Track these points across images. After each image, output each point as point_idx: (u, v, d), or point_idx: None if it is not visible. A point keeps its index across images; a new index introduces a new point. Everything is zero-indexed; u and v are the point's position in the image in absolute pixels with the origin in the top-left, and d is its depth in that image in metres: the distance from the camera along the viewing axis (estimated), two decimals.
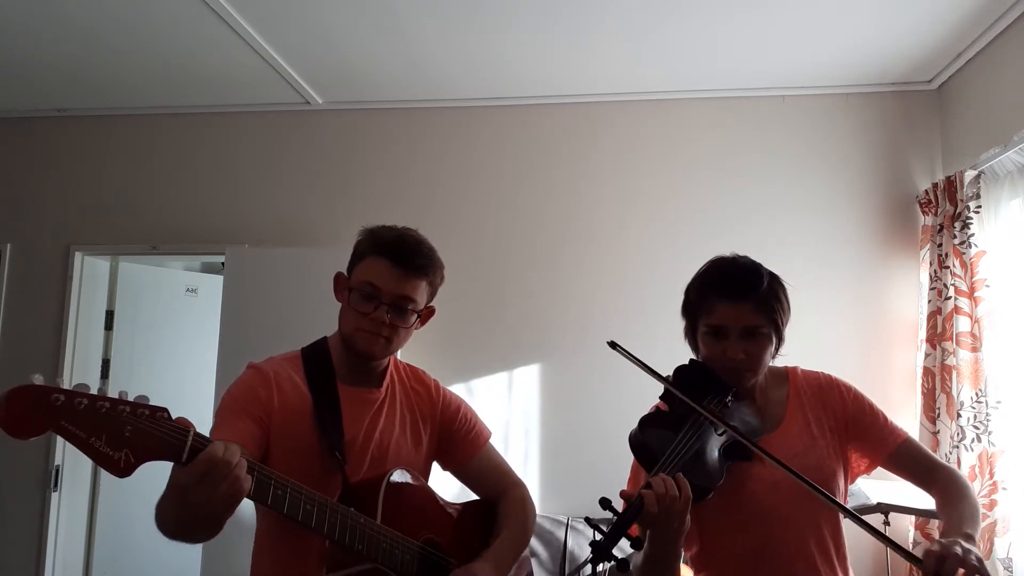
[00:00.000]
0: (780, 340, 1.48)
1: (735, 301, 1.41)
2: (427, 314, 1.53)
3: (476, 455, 1.61)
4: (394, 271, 1.42)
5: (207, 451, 1.03)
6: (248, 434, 1.33)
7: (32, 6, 2.84)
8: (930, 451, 1.55)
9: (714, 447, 1.35)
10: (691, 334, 1.53)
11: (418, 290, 1.45)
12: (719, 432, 1.37)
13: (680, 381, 1.46)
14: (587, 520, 1.19)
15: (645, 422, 1.41)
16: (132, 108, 3.85)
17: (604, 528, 1.17)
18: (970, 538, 1.27)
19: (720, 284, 1.44)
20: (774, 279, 1.48)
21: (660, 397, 1.50)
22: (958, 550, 1.19)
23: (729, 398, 1.43)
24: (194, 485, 1.02)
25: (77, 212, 3.85)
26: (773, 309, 1.43)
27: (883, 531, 2.58)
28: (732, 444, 1.37)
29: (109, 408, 0.98)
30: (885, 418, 1.51)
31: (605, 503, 1.20)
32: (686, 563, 1.57)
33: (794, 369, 1.58)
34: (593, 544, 1.15)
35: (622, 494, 1.25)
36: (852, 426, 1.50)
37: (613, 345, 1.45)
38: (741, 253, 1.53)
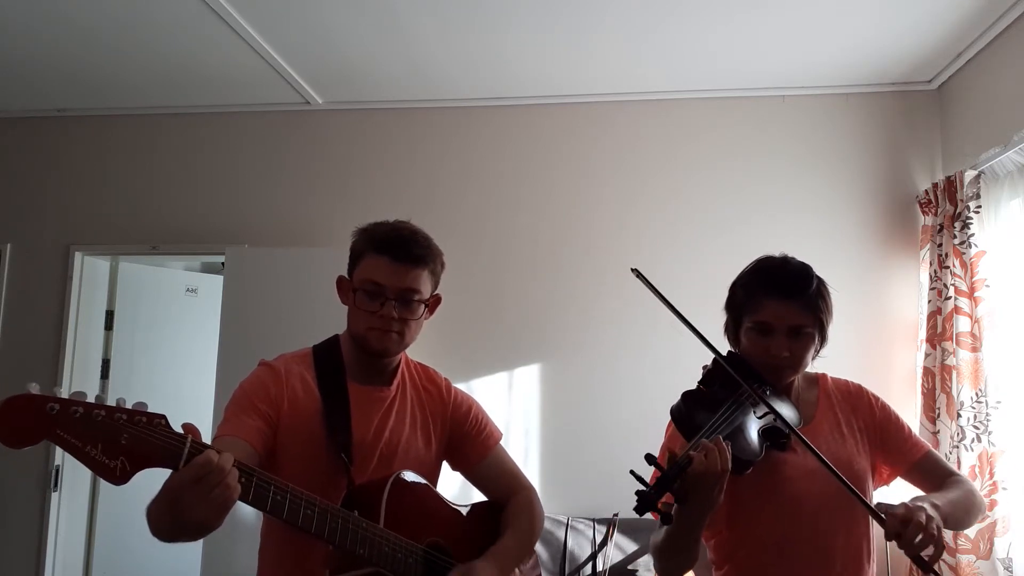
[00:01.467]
0: (823, 341, 1.50)
1: (784, 300, 1.44)
2: (434, 303, 1.52)
3: (486, 456, 1.60)
4: (394, 265, 1.43)
5: (201, 456, 1.03)
6: (256, 431, 1.34)
7: (32, 6, 2.84)
8: (949, 464, 1.59)
9: (753, 426, 1.38)
10: (733, 329, 1.55)
11: (421, 280, 1.46)
12: (759, 415, 1.40)
13: (720, 369, 1.47)
14: (632, 472, 1.20)
15: (688, 395, 1.44)
16: (132, 108, 3.85)
17: (647, 481, 1.19)
18: (936, 507, 1.30)
19: (770, 282, 1.47)
20: (822, 282, 1.51)
21: (699, 382, 1.51)
22: (922, 517, 1.22)
23: (768, 389, 1.46)
24: (185, 490, 1.02)
25: (77, 212, 3.85)
26: (820, 309, 1.46)
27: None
28: (769, 429, 1.40)
29: (105, 416, 0.97)
30: (909, 429, 1.56)
31: (651, 458, 1.22)
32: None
33: (823, 375, 1.61)
34: (639, 494, 1.17)
35: (661, 455, 1.26)
36: (879, 435, 1.54)
37: (637, 273, 1.47)
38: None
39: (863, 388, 1.59)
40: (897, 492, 1.80)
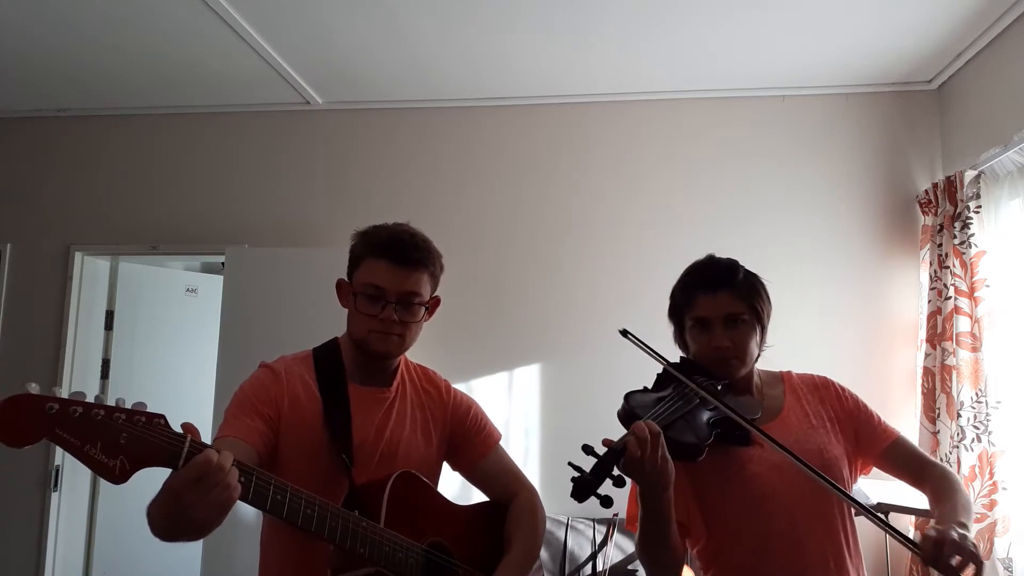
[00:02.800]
0: (763, 330, 1.54)
1: (714, 291, 1.50)
2: (434, 305, 1.54)
3: (486, 456, 1.61)
4: (394, 269, 1.44)
5: (199, 457, 1.02)
6: (257, 432, 1.34)
7: (32, 6, 2.84)
8: (921, 449, 1.60)
9: (701, 415, 1.41)
10: (680, 334, 1.60)
11: (421, 283, 1.47)
12: (710, 407, 1.42)
13: (668, 374, 1.51)
14: (569, 463, 1.22)
15: (629, 395, 1.47)
16: (132, 108, 3.85)
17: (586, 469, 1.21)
18: (964, 526, 1.30)
19: (699, 278, 1.54)
20: (751, 273, 1.56)
21: (651, 388, 1.53)
22: (954, 535, 1.22)
23: (720, 385, 1.47)
24: (185, 490, 1.02)
25: (77, 212, 3.85)
26: (751, 296, 1.51)
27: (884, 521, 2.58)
28: (722, 420, 1.41)
29: (104, 415, 0.98)
30: (878, 417, 1.57)
31: (588, 449, 1.23)
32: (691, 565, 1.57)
33: (788, 372, 1.64)
34: (576, 480, 1.18)
35: (604, 442, 1.27)
36: (851, 424, 1.55)
37: (624, 333, 1.52)
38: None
39: (828, 379, 1.62)
40: (896, 485, 1.79)
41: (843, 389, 1.60)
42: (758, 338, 1.52)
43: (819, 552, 1.41)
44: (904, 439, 1.56)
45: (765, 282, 1.57)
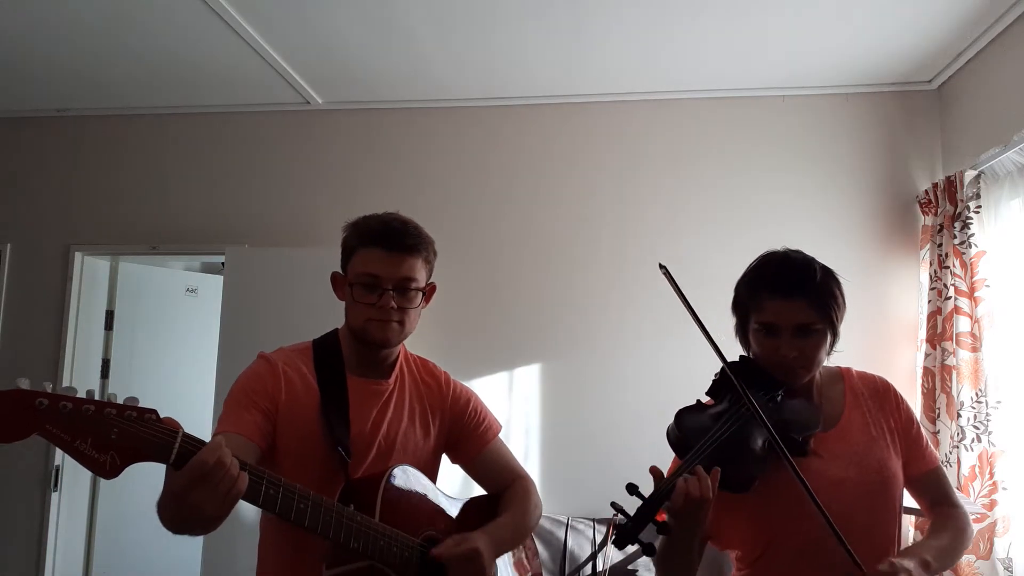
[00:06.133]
0: (835, 337, 1.42)
1: (787, 298, 1.36)
2: (430, 291, 1.54)
3: (485, 449, 1.61)
4: (388, 256, 1.44)
5: (196, 458, 1.02)
6: (254, 426, 1.35)
7: (32, 6, 2.83)
8: (951, 487, 1.50)
9: (757, 437, 1.30)
10: (742, 331, 1.48)
11: (416, 268, 1.47)
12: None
13: (727, 378, 1.40)
14: (612, 504, 1.18)
15: (680, 415, 1.38)
16: (132, 108, 3.85)
17: (628, 512, 1.17)
18: (927, 565, 1.27)
19: (771, 280, 1.39)
20: (828, 274, 1.43)
21: (707, 392, 1.46)
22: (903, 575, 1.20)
23: (779, 395, 1.38)
24: (188, 490, 1.02)
25: (77, 212, 3.85)
26: (827, 306, 1.38)
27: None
28: (781, 436, 1.32)
29: (95, 411, 0.98)
30: (926, 441, 1.49)
31: (632, 488, 1.19)
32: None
33: (848, 369, 1.54)
34: (618, 527, 1.15)
35: (652, 471, 1.23)
36: (902, 439, 1.45)
37: (664, 271, 1.39)
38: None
39: (890, 385, 1.50)
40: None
41: (902, 400, 1.49)
42: (828, 346, 1.40)
43: (866, 566, 1.34)
44: (940, 470, 1.48)
45: (842, 280, 1.43)
